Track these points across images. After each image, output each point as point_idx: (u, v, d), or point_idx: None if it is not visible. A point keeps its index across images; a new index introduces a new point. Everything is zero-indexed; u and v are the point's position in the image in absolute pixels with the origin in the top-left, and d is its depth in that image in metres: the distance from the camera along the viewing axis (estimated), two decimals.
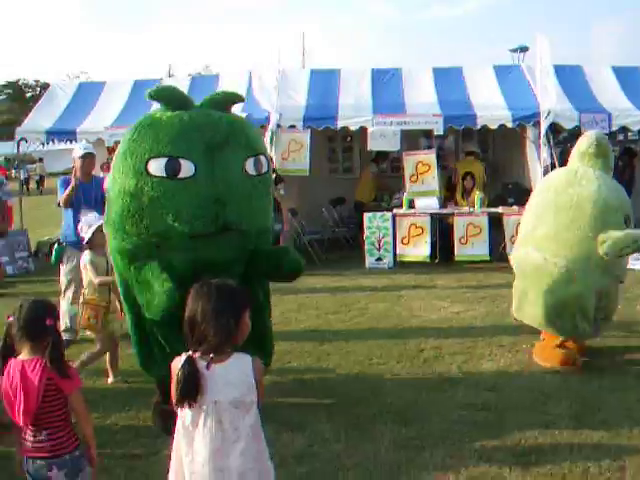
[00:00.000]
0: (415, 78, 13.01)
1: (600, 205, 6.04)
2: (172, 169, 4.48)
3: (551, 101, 11.48)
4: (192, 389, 2.97)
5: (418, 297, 9.40)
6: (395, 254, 11.74)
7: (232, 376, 3.03)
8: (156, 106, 5.04)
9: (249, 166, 4.74)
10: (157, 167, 4.49)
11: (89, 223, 6.14)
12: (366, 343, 7.20)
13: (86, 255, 6.14)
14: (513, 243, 11.30)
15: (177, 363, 3.06)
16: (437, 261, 11.79)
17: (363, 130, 11.91)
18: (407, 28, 70.07)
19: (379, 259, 11.79)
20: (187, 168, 4.50)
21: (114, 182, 4.71)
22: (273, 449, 4.65)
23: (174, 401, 3.04)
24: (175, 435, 3.13)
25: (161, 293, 4.43)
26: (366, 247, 11.82)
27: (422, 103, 12.19)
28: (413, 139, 13.76)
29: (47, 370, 3.22)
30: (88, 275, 6.10)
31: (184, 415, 3.03)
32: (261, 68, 12.49)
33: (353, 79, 13.00)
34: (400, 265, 11.65)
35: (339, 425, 5.12)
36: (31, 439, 3.29)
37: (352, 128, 11.98)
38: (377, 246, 11.77)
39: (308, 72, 13.38)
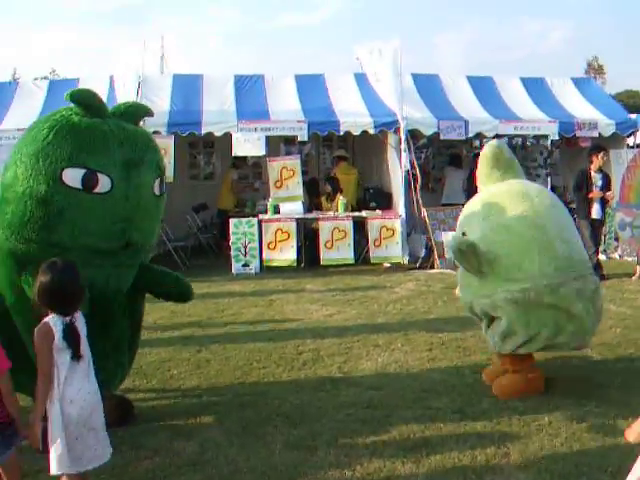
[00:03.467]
0: (278, 85, 13.13)
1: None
2: (89, 183, 4.32)
3: (408, 107, 11.93)
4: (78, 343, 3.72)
5: (289, 301, 9.47)
6: (262, 259, 11.78)
7: (84, 329, 3.81)
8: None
9: (156, 186, 4.71)
10: (73, 178, 4.30)
11: None
12: (244, 348, 7.17)
13: None
14: (376, 246, 11.71)
15: (46, 329, 3.63)
16: (303, 265, 11.95)
17: (226, 136, 11.87)
18: (261, 35, 70.62)
19: (246, 265, 11.77)
20: (104, 183, 4.36)
21: (14, 180, 4.37)
22: (166, 458, 4.63)
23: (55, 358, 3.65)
24: (53, 390, 3.62)
25: None
26: (232, 253, 11.78)
27: (286, 110, 12.32)
28: (274, 145, 13.86)
29: None
30: None
31: (64, 367, 3.65)
32: (122, 73, 12.21)
33: (216, 85, 12.92)
34: (267, 270, 11.71)
35: (229, 430, 5.07)
36: None
37: (217, 134, 11.90)
38: (243, 252, 11.76)
39: (170, 77, 13.15)
